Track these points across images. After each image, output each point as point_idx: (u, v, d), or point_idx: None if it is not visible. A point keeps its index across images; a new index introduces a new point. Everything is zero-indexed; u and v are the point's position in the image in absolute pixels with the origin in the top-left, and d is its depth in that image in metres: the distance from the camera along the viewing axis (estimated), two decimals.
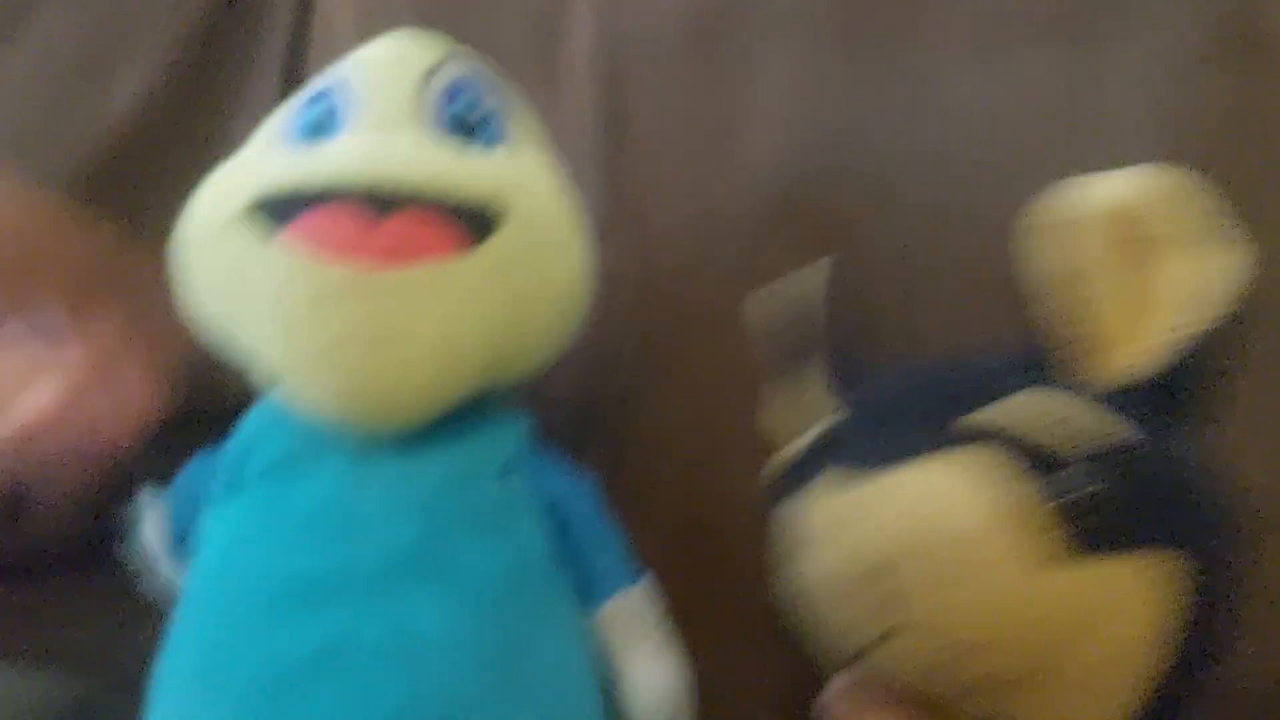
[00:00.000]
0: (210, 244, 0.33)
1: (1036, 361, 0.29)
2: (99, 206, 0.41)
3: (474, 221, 0.31)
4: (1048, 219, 0.29)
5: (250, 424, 0.36)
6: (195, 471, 0.36)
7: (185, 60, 0.52)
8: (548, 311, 0.34)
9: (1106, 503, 0.25)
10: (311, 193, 0.31)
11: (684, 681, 0.35)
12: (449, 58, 0.35)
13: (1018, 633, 0.26)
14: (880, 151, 0.43)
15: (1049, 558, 0.25)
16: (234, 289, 0.32)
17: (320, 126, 0.33)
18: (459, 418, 0.34)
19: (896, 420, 0.29)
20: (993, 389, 0.28)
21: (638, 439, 0.45)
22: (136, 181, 0.46)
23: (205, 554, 0.34)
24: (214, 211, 0.33)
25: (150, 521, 0.37)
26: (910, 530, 0.26)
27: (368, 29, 0.53)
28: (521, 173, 0.34)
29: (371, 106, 0.33)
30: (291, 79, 0.54)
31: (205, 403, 0.45)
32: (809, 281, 0.38)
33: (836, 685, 0.34)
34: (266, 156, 0.34)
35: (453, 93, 0.34)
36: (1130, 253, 0.28)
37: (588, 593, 0.35)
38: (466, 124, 0.33)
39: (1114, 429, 0.26)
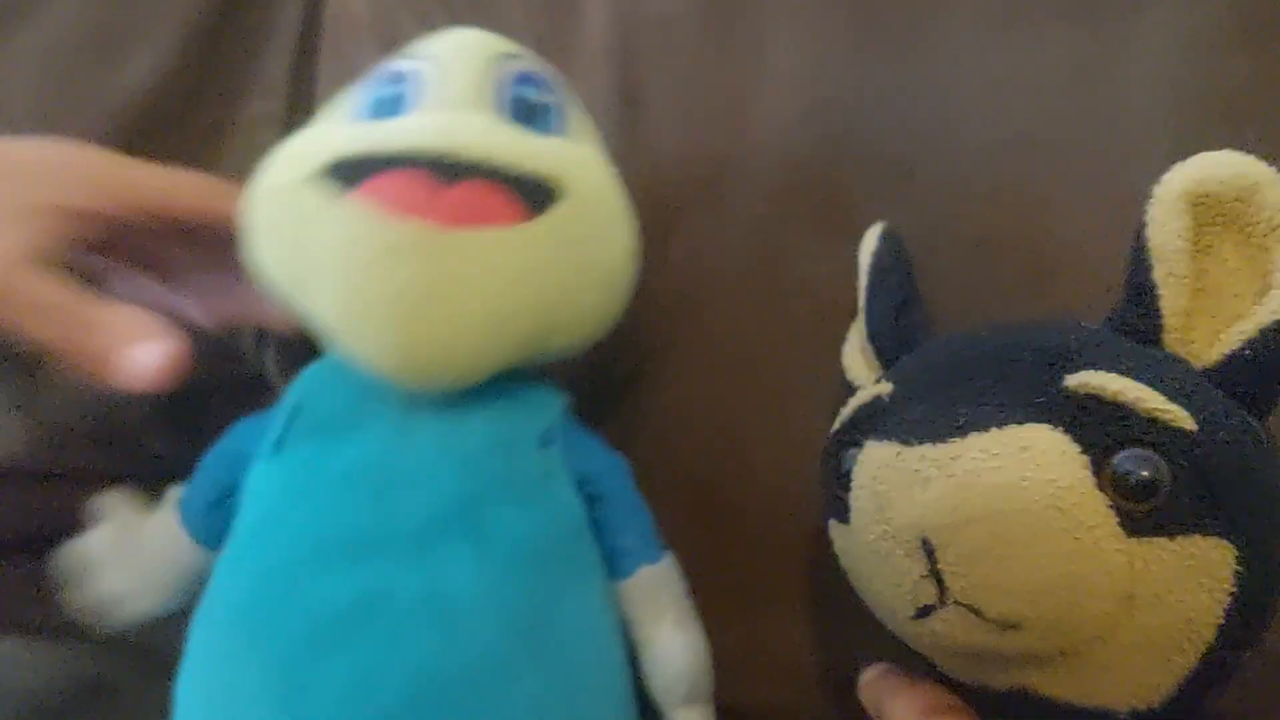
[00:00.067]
0: (282, 202, 0.34)
1: (1100, 339, 0.28)
2: None
3: (534, 196, 0.33)
4: (1175, 188, 0.28)
5: (301, 385, 0.37)
6: (244, 431, 0.37)
7: (198, 39, 0.52)
8: (595, 290, 0.35)
9: (1172, 486, 0.25)
10: (383, 158, 0.32)
11: (705, 654, 0.36)
12: (516, 52, 0.37)
13: (1062, 613, 0.25)
14: (895, 129, 0.43)
15: (1106, 537, 0.25)
16: (302, 243, 0.33)
17: (390, 107, 0.35)
18: (501, 387, 0.35)
19: (948, 393, 0.28)
20: (1052, 362, 0.27)
21: (652, 415, 0.45)
22: (149, 159, 0.46)
23: (249, 508, 0.34)
24: (286, 174, 0.34)
25: (110, 525, 0.37)
26: (964, 503, 0.25)
27: (381, 9, 0.53)
28: (580, 158, 0.35)
29: (442, 89, 0.34)
30: (304, 59, 0.55)
31: (221, 377, 0.46)
32: (864, 245, 0.39)
33: (868, 675, 0.34)
34: (338, 128, 0.35)
35: (519, 82, 0.36)
36: (1252, 234, 0.28)
37: (614, 566, 0.36)
38: (530, 112, 0.35)
39: (1189, 410, 0.26)
